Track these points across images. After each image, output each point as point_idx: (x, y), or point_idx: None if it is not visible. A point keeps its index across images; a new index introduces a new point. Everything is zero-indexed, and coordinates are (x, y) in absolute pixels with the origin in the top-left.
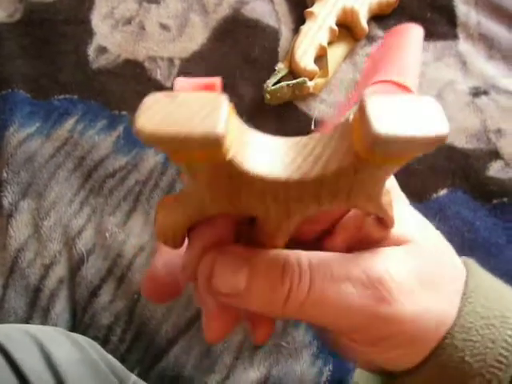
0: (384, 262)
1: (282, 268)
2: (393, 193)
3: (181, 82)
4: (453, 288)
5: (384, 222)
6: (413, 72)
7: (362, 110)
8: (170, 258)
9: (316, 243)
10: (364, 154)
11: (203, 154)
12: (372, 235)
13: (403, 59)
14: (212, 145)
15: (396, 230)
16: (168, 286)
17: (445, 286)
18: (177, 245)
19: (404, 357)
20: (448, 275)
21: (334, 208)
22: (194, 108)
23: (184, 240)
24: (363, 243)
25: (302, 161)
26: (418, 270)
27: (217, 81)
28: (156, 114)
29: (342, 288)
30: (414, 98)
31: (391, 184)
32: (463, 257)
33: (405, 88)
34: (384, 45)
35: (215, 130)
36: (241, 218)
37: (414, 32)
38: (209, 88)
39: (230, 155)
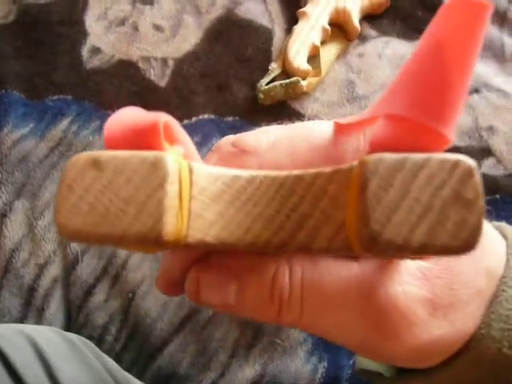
0: (390, 286)
1: (271, 284)
2: None
3: (112, 124)
4: (477, 302)
5: None
6: (461, 98)
7: (361, 186)
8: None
9: None
10: (358, 251)
11: (148, 249)
12: None
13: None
14: (155, 243)
15: None
16: (180, 281)
17: (464, 307)
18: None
19: (419, 364)
20: (469, 289)
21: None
22: (128, 188)
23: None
24: None
25: (283, 220)
26: (431, 296)
27: (158, 122)
28: (80, 201)
29: (338, 317)
30: (438, 168)
31: None
32: (494, 222)
33: (441, 139)
34: (435, 33)
35: (156, 228)
36: None
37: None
38: (148, 135)
39: (183, 241)
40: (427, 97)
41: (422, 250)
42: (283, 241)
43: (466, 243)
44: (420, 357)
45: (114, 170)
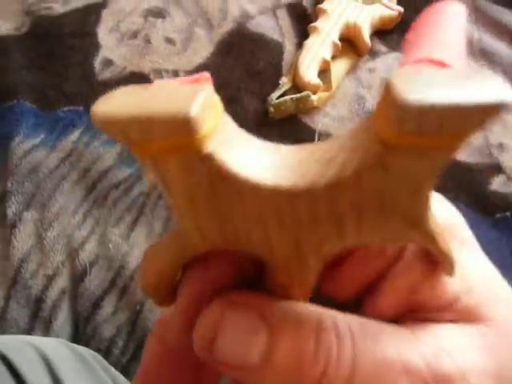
0: (454, 354)
1: (316, 332)
2: (455, 232)
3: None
4: None
5: (438, 267)
6: (454, 50)
7: (386, 87)
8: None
9: (351, 306)
10: (393, 138)
11: (169, 144)
12: (428, 297)
13: (441, 36)
14: (180, 128)
15: (465, 298)
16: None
17: None
18: (162, 299)
19: None
20: None
21: (362, 241)
22: (167, 93)
23: (172, 294)
24: (415, 310)
25: (310, 163)
26: (497, 367)
27: (206, 75)
28: (119, 97)
29: (397, 381)
30: (456, 70)
31: (451, 220)
32: None
33: (442, 65)
34: (418, 25)
35: (185, 109)
36: (242, 259)
37: (453, 8)
38: (197, 81)
39: (206, 149)
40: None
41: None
42: (311, 182)
43: None
44: None
45: (159, 86)
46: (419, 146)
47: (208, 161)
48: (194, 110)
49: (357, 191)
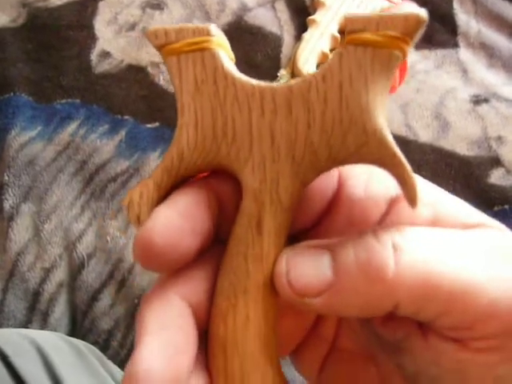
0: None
1: (372, 239)
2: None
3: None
4: None
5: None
6: None
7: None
8: (168, 218)
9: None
10: (346, 39)
11: (192, 42)
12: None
13: None
14: (202, 31)
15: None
16: (167, 250)
17: None
18: (140, 218)
19: None
20: None
21: (333, 160)
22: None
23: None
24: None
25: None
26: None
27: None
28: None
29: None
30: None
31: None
32: None
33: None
34: None
35: (207, 25)
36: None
37: None
38: None
39: (216, 49)
40: None
41: None
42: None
43: None
44: None
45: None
46: (364, 43)
47: (216, 59)
48: (212, 26)
49: (320, 89)
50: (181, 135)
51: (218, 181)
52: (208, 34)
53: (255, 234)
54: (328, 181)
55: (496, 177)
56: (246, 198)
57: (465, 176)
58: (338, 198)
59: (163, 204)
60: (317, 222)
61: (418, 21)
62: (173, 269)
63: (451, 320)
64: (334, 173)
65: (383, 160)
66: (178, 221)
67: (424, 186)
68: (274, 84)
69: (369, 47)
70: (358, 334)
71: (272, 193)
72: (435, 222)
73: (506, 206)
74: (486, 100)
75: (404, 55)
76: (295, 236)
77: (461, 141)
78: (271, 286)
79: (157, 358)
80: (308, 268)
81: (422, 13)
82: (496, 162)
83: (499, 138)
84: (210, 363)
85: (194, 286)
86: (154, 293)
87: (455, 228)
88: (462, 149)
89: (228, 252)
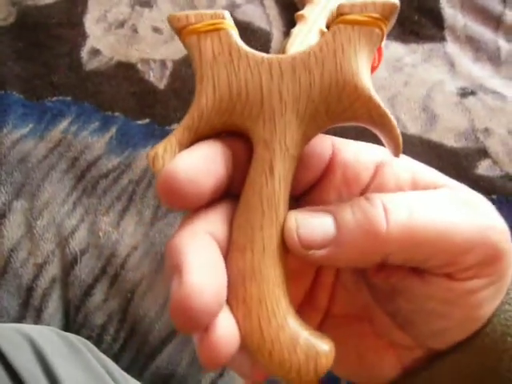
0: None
1: (368, 202)
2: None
3: None
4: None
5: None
6: None
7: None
8: (191, 159)
9: (305, 199)
10: (333, 20)
11: (210, 23)
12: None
13: None
14: (218, 15)
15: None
16: (190, 186)
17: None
18: (160, 164)
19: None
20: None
21: (331, 119)
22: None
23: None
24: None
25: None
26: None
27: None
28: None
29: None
30: None
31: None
32: None
33: None
34: None
35: (222, 11)
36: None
37: None
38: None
39: (230, 29)
40: None
41: None
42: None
43: None
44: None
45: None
46: (352, 22)
47: (230, 37)
48: (224, 12)
49: (318, 56)
50: (200, 98)
51: (230, 139)
52: (223, 17)
53: (268, 175)
54: (324, 148)
55: (483, 168)
56: (259, 147)
57: (453, 167)
58: (332, 162)
59: (185, 151)
60: (316, 183)
61: (393, 6)
62: (192, 206)
63: (438, 260)
64: (329, 142)
65: (371, 113)
66: (199, 162)
67: (404, 156)
68: (279, 55)
69: (356, 25)
70: (352, 295)
71: (281, 142)
72: (414, 183)
73: (494, 196)
74: (472, 93)
75: (382, 34)
76: (299, 197)
77: (448, 132)
78: (282, 229)
79: (204, 273)
80: (314, 225)
81: (396, 1)
82: (483, 153)
83: (486, 130)
84: (230, 295)
85: (216, 225)
86: (183, 230)
87: (429, 188)
88: (450, 140)
89: (244, 193)
